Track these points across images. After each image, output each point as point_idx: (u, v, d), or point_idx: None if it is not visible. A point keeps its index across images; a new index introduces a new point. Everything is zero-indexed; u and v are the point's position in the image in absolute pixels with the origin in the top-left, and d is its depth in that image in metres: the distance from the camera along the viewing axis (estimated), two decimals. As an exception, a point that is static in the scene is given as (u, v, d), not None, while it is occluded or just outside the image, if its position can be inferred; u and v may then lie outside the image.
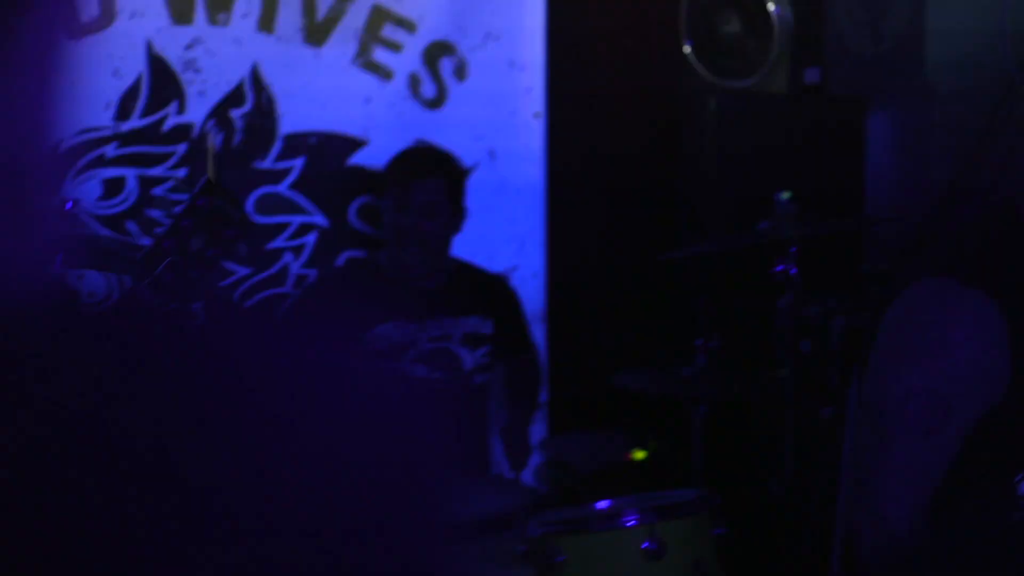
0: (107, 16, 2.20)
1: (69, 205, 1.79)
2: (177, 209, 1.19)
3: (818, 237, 2.07)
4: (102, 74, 2.22)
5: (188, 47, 2.27)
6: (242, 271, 2.35)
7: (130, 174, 2.28)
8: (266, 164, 2.36)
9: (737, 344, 2.55)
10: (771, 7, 2.26)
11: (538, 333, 2.52)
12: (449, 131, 2.45)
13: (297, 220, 2.40)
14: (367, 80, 2.39)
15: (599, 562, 1.65)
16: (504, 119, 2.51)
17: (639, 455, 2.55)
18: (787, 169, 2.40)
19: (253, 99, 2.32)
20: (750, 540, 2.14)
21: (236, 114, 2.32)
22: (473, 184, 2.45)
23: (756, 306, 2.54)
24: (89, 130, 2.23)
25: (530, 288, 2.54)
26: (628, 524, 1.64)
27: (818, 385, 2.21)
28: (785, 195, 2.06)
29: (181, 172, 2.30)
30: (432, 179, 2.19)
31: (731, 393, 2.52)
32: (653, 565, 1.59)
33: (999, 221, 1.23)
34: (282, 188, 2.37)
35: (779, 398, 2.18)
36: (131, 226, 2.28)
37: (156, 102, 2.27)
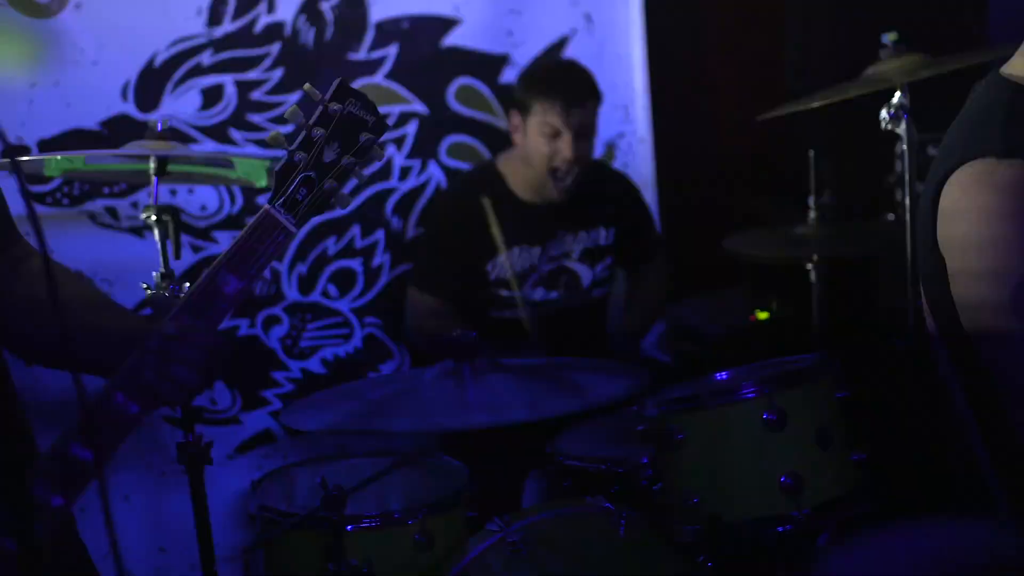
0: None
1: (160, 126, 1.78)
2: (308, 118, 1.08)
3: (931, 80, 1.94)
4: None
5: (268, -60, 2.20)
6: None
7: (228, 80, 2.25)
8: (360, 55, 2.31)
9: (851, 199, 2.48)
10: None
11: (649, 197, 2.48)
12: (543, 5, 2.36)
13: (396, 110, 2.36)
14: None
15: (720, 437, 1.60)
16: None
17: (762, 316, 2.54)
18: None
19: (344, -11, 2.26)
20: (876, 401, 2.11)
21: (325, 6, 2.26)
22: (572, 51, 2.38)
23: (869, 160, 2.45)
24: (183, 39, 2.20)
25: (638, 154, 2.50)
26: (747, 396, 1.58)
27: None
28: (891, 36, 1.93)
29: (277, 73, 2.27)
30: (590, 102, 2.16)
31: (845, 249, 2.47)
32: (776, 435, 1.54)
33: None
34: (378, 78, 2.33)
35: (897, 249, 2.11)
36: (235, 133, 2.27)
37: (246, 3, 2.22)
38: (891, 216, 2.45)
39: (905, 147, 1.84)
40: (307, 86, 1.09)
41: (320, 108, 1.08)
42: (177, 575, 2.23)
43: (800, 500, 1.49)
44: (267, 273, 2.00)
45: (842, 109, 2.03)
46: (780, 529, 1.50)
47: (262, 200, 1.61)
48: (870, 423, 1.78)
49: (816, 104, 1.99)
